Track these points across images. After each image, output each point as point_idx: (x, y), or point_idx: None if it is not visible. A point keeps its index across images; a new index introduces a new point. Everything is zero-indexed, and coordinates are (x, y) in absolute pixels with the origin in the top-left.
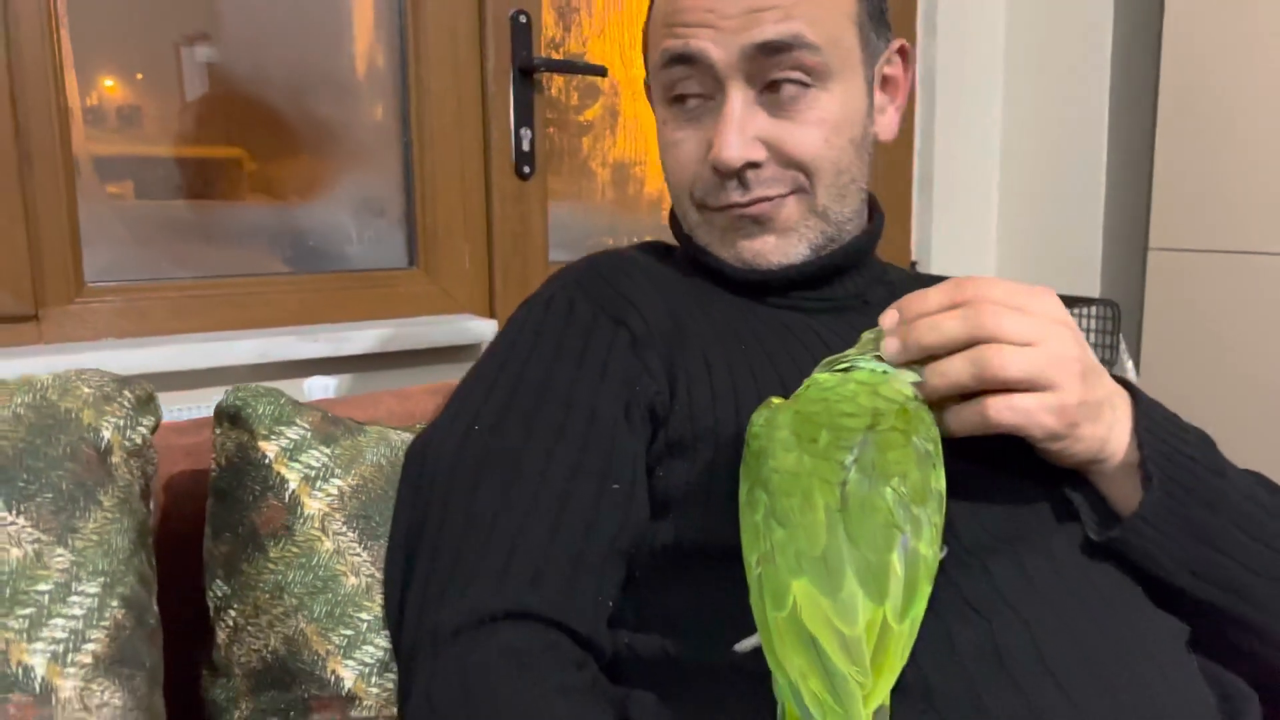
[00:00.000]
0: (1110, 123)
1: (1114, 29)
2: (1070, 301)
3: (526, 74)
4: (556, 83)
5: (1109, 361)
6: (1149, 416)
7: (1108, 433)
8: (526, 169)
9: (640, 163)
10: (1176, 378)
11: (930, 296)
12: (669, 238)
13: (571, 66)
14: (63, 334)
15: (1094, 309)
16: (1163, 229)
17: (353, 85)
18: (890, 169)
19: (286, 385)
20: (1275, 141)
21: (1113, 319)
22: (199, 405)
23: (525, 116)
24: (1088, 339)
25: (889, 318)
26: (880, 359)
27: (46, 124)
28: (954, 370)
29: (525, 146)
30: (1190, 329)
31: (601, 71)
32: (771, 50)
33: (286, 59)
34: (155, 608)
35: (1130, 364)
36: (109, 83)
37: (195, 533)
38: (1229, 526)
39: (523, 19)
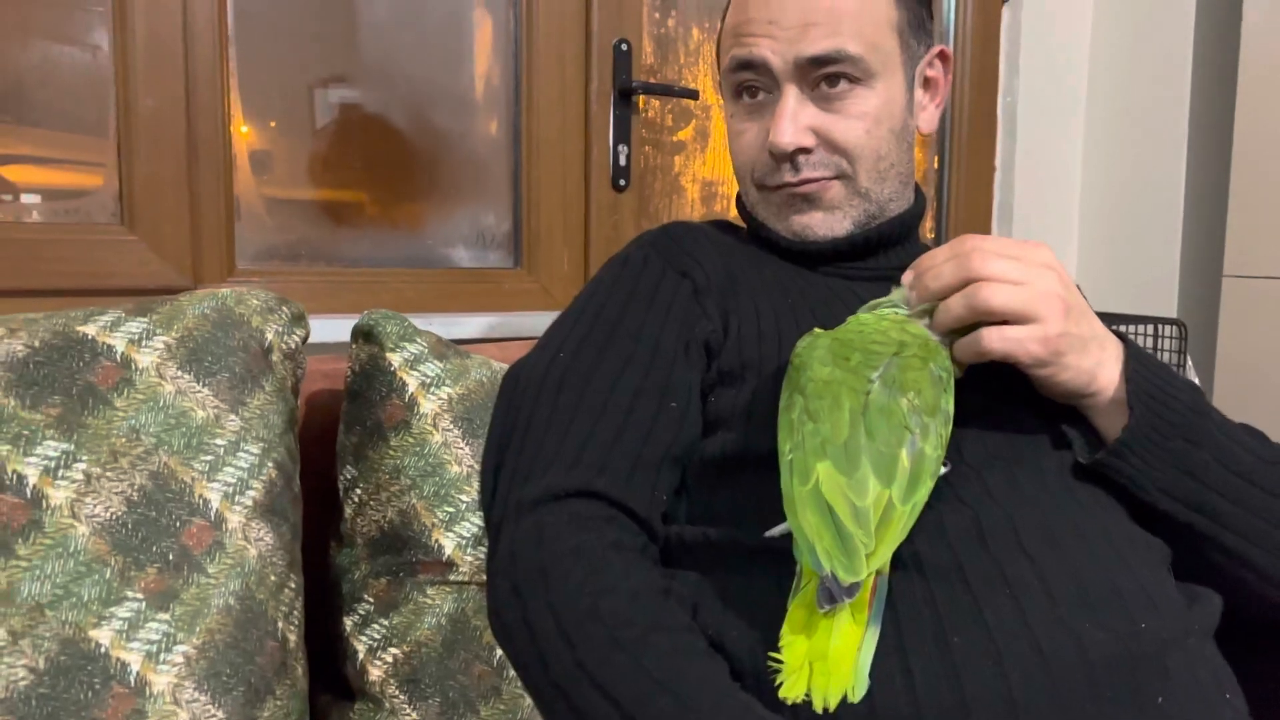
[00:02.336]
0: (1189, 155)
1: (1193, 65)
2: (1140, 320)
3: (626, 96)
4: (653, 105)
5: None
6: (1138, 360)
7: (1095, 368)
8: (622, 182)
9: (726, 181)
10: (1249, 400)
11: (938, 253)
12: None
13: (667, 90)
14: None
15: (1164, 328)
16: (1237, 256)
17: (472, 102)
18: (970, 199)
19: None
20: None
21: (1181, 338)
22: None
23: (623, 134)
24: (1158, 356)
25: (907, 276)
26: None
27: (213, 124)
28: (954, 305)
29: (622, 162)
30: (1263, 353)
31: (694, 95)
32: (819, 62)
33: (416, 80)
34: (298, 481)
35: (1196, 382)
36: (261, 125)
37: (329, 436)
38: (1208, 460)
39: (624, 46)
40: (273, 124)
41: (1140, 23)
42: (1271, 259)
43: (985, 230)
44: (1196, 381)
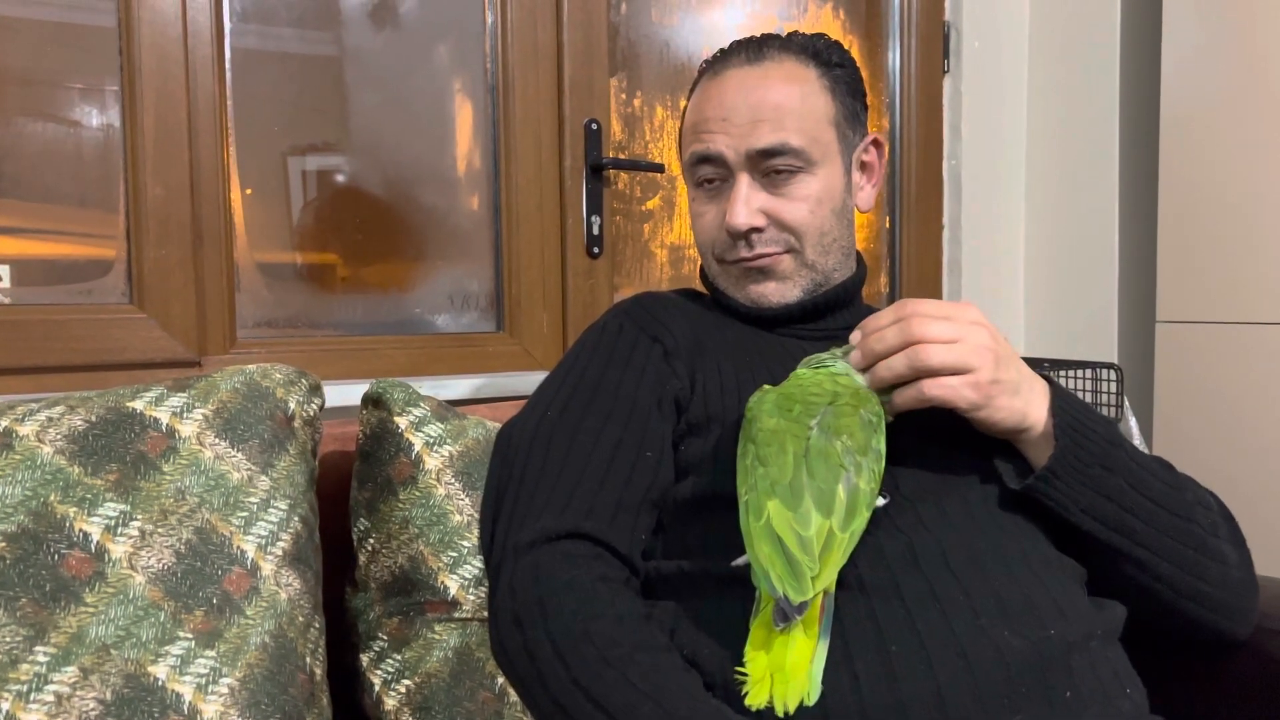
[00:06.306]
0: (1120, 210)
1: (1119, 127)
2: (1081, 365)
3: (597, 171)
4: (622, 178)
5: (1115, 419)
6: (1062, 398)
7: (1025, 407)
8: (596, 250)
9: (692, 245)
10: (1187, 442)
11: (881, 316)
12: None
13: (635, 164)
14: None
15: (1103, 373)
16: (1168, 303)
17: (455, 179)
18: (921, 255)
19: None
20: (1266, 228)
21: (1119, 381)
22: None
23: (595, 206)
24: (1097, 399)
25: (854, 336)
26: (843, 360)
27: (215, 211)
28: (896, 364)
29: (595, 231)
30: (1194, 392)
31: (660, 169)
32: (767, 154)
33: (403, 158)
34: (318, 534)
35: (1134, 422)
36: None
37: (341, 492)
38: (1123, 484)
39: (594, 126)
40: (269, 198)
41: (1071, 89)
42: (1199, 305)
43: (936, 283)
44: (1136, 424)
